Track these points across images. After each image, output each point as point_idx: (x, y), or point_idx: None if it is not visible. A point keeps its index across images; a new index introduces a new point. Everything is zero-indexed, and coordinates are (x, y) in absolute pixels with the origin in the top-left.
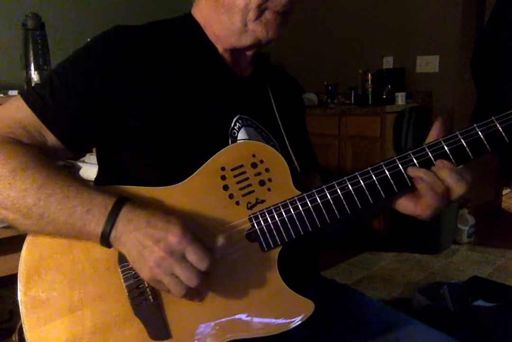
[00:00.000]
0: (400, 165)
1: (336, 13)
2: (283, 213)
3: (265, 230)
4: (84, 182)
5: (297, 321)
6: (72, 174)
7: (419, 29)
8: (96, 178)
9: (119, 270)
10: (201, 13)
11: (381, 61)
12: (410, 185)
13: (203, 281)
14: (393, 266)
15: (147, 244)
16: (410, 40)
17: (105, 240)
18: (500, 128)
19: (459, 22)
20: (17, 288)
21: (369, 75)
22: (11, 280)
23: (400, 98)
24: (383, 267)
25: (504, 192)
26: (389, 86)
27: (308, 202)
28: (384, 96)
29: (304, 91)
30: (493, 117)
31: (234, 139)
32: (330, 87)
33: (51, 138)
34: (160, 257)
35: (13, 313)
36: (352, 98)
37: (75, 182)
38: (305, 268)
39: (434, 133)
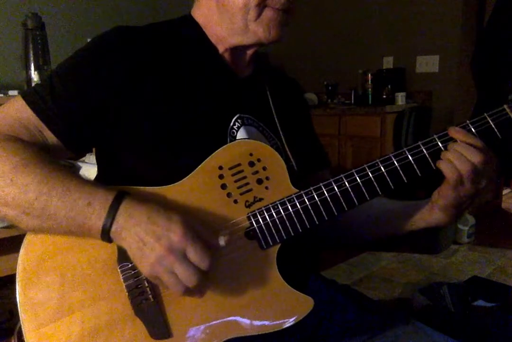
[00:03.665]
0: (395, 162)
1: (336, 13)
2: (281, 210)
3: (264, 228)
4: (85, 179)
5: (293, 319)
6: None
7: (419, 29)
8: (95, 178)
9: (119, 270)
10: (202, 13)
11: (381, 61)
12: (406, 181)
13: (202, 280)
14: (393, 266)
15: (148, 241)
16: (410, 40)
17: (106, 235)
18: (492, 124)
19: (459, 22)
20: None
21: (369, 75)
22: (11, 280)
23: (400, 98)
24: (383, 267)
25: (504, 192)
26: (389, 86)
27: (306, 200)
28: (384, 96)
29: (304, 91)
30: (485, 114)
31: (233, 139)
32: (330, 87)
33: (51, 138)
34: (161, 255)
35: (13, 313)
36: (352, 98)
37: (76, 177)
38: (305, 266)
39: None
